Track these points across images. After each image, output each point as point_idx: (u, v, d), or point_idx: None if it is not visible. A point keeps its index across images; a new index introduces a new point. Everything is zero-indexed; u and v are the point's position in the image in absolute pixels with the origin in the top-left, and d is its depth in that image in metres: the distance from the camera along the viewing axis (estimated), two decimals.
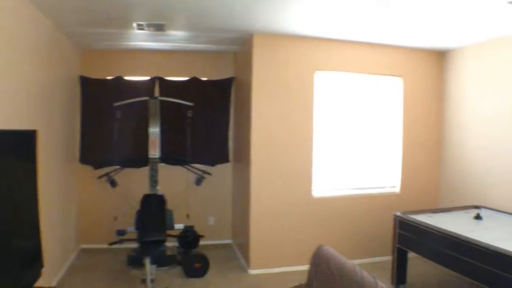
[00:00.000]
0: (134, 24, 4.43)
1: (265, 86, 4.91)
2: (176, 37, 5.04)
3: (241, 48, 5.54)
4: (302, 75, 5.06)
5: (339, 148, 5.33)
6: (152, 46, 5.48)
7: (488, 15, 3.95)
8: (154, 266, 4.35)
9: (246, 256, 5.08)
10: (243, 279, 4.79)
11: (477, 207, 4.76)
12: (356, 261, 5.09)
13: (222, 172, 6.04)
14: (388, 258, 4.79)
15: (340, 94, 5.32)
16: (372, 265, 5.16)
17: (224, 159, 6.01)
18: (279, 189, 4.99)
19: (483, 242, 3.39)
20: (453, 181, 5.48)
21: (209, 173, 5.73)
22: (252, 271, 4.92)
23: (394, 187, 5.50)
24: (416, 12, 3.96)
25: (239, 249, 5.61)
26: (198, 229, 5.48)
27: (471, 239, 3.50)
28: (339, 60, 5.20)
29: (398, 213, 4.36)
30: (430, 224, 4.01)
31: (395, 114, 5.53)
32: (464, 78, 5.35)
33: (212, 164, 5.91)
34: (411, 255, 4.43)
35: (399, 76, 5.48)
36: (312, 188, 5.14)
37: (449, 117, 5.59)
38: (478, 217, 4.29)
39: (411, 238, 4.19)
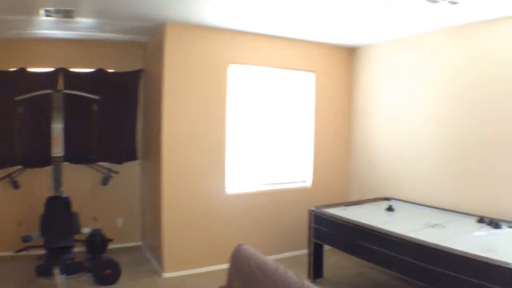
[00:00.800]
0: (42, 11, 3.94)
1: (177, 79, 4.65)
2: (85, 25, 4.58)
3: (152, 38, 5.19)
4: (215, 68, 4.87)
5: (253, 143, 5.25)
6: (59, 35, 4.94)
7: (395, 15, 4.14)
8: (64, 276, 3.96)
9: (159, 259, 4.76)
10: (158, 284, 4.50)
11: (387, 198, 5.00)
12: (273, 257, 5.15)
13: (130, 170, 5.64)
14: (304, 251, 4.83)
15: (254, 88, 5.23)
16: (289, 260, 5.17)
17: (132, 156, 5.63)
18: (192, 186, 4.77)
19: (399, 234, 3.51)
20: (363, 174, 5.71)
21: (116, 172, 5.32)
22: (167, 274, 4.62)
23: (305, 181, 5.57)
24: (328, 8, 4.00)
25: (150, 252, 5.28)
26: (106, 232, 5.06)
27: (387, 230, 3.61)
28: (254, 53, 5.11)
29: (313, 208, 4.39)
30: (345, 218, 4.09)
31: (308, 109, 5.59)
32: (373, 74, 5.60)
33: (119, 162, 5.50)
34: (326, 247, 4.53)
35: (312, 71, 5.54)
36: (226, 185, 4.99)
37: (359, 111, 5.81)
38: (390, 208, 4.48)
39: (326, 232, 4.24)
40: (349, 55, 5.88)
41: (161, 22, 4.52)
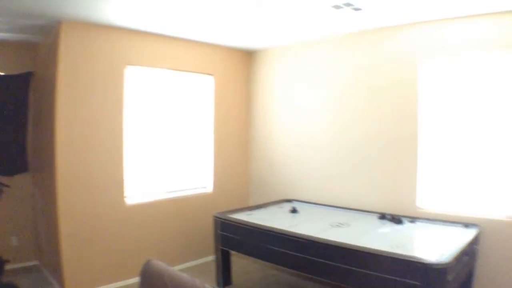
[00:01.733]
0: None
1: (72, 83, 4.25)
2: None
3: (45, 38, 4.72)
4: (113, 71, 4.53)
5: (153, 149, 4.98)
6: None
7: (299, 20, 4.26)
8: None
9: (60, 278, 4.30)
10: None
11: (289, 200, 5.08)
12: (181, 265, 5.03)
13: (21, 183, 5.06)
14: (211, 258, 4.84)
15: (153, 92, 4.97)
16: (197, 268, 5.08)
17: (22, 168, 5.08)
18: (90, 199, 4.38)
19: (310, 235, 3.55)
20: (264, 177, 5.76)
21: (7, 185, 4.68)
22: None
23: (206, 187, 5.46)
24: (225, 11, 3.97)
25: (49, 271, 4.77)
26: (1, 253, 4.48)
27: (297, 233, 3.63)
28: (153, 55, 4.86)
29: (218, 214, 4.30)
30: (252, 223, 4.06)
31: (207, 113, 5.49)
32: (272, 78, 5.69)
33: (10, 174, 4.94)
34: (234, 252, 4.47)
35: (211, 74, 5.46)
36: (126, 195, 4.67)
37: (258, 115, 5.87)
38: (294, 210, 4.54)
39: (233, 238, 4.16)
40: (249, 58, 5.91)
41: (56, 20, 4.11)
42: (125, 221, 4.66)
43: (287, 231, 3.81)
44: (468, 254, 3.40)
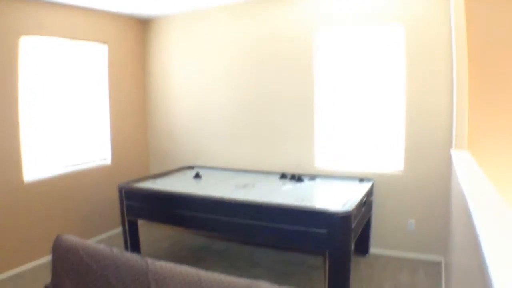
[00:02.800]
0: None
1: None
2: None
3: None
4: (6, 41, 3.94)
5: (49, 123, 4.43)
6: None
7: None
8: None
9: None
10: None
11: (191, 167, 5.02)
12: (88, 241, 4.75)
13: None
14: (118, 230, 4.64)
15: (49, 62, 4.41)
16: (105, 241, 4.78)
17: None
18: None
19: (218, 196, 3.61)
20: (164, 146, 5.58)
21: None
22: None
23: (105, 159, 5.08)
24: None
25: None
26: None
27: (205, 195, 3.68)
28: (47, 24, 4.34)
29: (122, 184, 4.08)
30: (159, 189, 3.99)
31: (102, 83, 5.06)
32: (167, 45, 5.46)
33: None
34: (140, 222, 4.28)
35: (105, 43, 5.02)
36: (24, 173, 4.10)
37: (155, 84, 5.62)
38: (197, 175, 4.51)
39: (140, 206, 4.00)
40: (143, 26, 5.58)
41: None
42: (25, 200, 4.10)
43: (192, 194, 3.79)
44: (366, 204, 3.78)
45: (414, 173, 4.13)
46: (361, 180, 4.19)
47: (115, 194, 4.31)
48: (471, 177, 2.19)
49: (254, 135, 4.85)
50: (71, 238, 2.89)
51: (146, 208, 3.98)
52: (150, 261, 2.54)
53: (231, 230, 3.61)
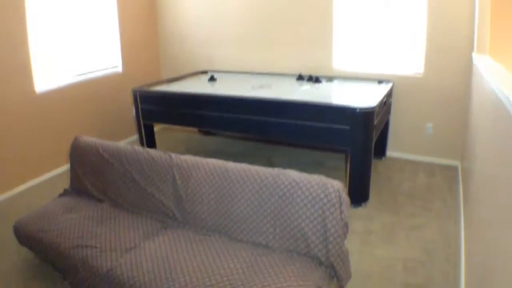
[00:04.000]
0: None
1: None
2: None
3: None
4: None
5: (59, 31, 4.10)
6: None
7: None
8: None
9: None
10: None
11: (204, 72, 4.84)
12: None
13: None
14: (133, 137, 4.70)
15: None
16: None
17: None
18: None
19: (238, 95, 3.52)
20: (174, 52, 5.32)
21: None
22: None
23: (116, 66, 4.84)
24: None
25: None
26: None
27: (226, 94, 3.59)
28: None
29: (137, 88, 3.93)
30: (178, 90, 3.86)
31: None
32: None
33: None
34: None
35: None
36: (35, 83, 3.85)
37: None
38: (212, 78, 4.33)
39: (156, 110, 3.89)
40: None
41: None
42: (38, 110, 3.92)
43: (214, 94, 3.68)
44: (385, 104, 3.62)
45: (434, 77, 3.90)
46: (380, 82, 4.00)
47: (128, 102, 4.21)
48: (500, 77, 1.98)
49: (269, 38, 4.56)
50: (90, 138, 2.83)
51: (162, 111, 3.87)
52: (173, 155, 2.48)
53: (251, 129, 3.54)
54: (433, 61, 3.88)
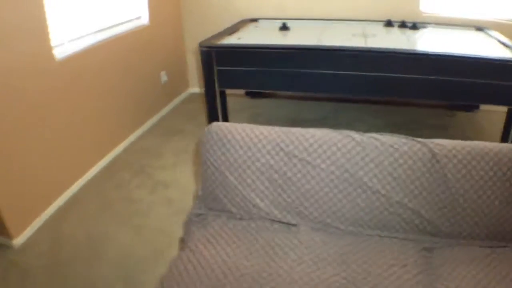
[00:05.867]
0: None
1: None
2: None
3: None
4: None
5: None
6: None
7: None
8: None
9: None
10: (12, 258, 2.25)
11: (254, 19, 3.80)
12: (156, 117, 3.75)
13: None
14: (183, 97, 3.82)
15: None
16: (177, 113, 3.95)
17: None
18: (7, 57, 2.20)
19: (355, 47, 2.76)
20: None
21: None
22: (19, 240, 2.32)
23: (139, 17, 3.57)
24: None
25: None
26: None
27: (336, 46, 2.77)
28: None
29: (207, 43, 2.86)
30: (269, 45, 2.88)
31: None
32: None
33: None
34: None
35: None
36: (53, 46, 2.56)
37: None
38: (284, 27, 3.35)
39: (240, 72, 2.87)
40: None
41: None
42: (61, 81, 2.64)
43: (322, 45, 2.83)
44: None
45: None
46: (479, 28, 3.39)
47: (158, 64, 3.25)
48: None
49: None
50: (239, 125, 1.89)
51: (248, 72, 2.87)
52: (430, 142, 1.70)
53: (383, 89, 2.78)
54: None
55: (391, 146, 1.70)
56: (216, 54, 2.83)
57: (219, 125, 1.85)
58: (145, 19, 3.65)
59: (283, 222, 1.77)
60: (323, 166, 1.72)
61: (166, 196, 2.69)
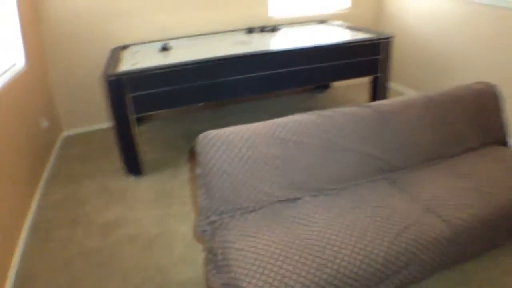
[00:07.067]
0: None
1: None
2: None
3: None
4: None
5: None
6: None
7: None
8: None
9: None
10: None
11: (125, 47, 3.73)
12: (51, 163, 3.40)
13: None
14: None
15: None
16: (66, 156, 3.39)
17: None
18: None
19: (246, 52, 3.15)
20: (65, 31, 3.61)
21: None
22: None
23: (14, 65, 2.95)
24: None
25: None
26: None
27: (239, 54, 3.11)
28: None
29: (111, 72, 2.78)
30: (173, 63, 2.94)
31: None
32: None
33: None
34: None
35: None
36: None
37: None
38: (165, 48, 3.46)
39: (154, 94, 2.91)
40: None
41: None
42: None
43: (231, 54, 3.10)
44: None
45: (358, 9, 4.52)
46: (321, 21, 4.25)
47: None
48: None
49: None
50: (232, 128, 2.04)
51: (162, 93, 2.94)
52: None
53: (259, 87, 3.26)
54: None
55: (352, 114, 2.16)
56: (130, 80, 2.82)
57: (209, 133, 1.97)
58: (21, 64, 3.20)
59: (290, 199, 2.02)
60: (310, 141, 2.06)
61: (122, 234, 2.55)
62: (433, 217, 1.83)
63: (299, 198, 2.04)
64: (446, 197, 1.94)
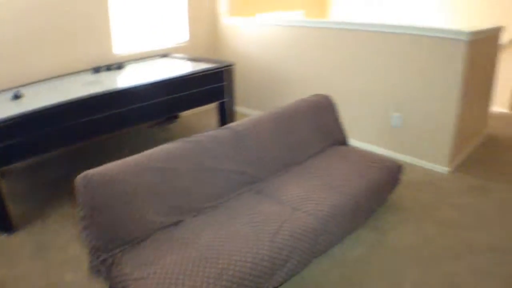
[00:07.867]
0: None
1: None
2: None
3: None
4: None
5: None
6: None
7: None
8: None
9: None
10: None
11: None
12: None
13: None
14: None
15: None
16: None
17: None
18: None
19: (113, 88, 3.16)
20: None
21: None
22: None
23: None
24: None
25: None
26: None
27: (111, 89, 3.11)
28: None
29: None
30: (26, 112, 2.66)
31: None
32: None
33: None
34: None
35: None
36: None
37: None
38: (16, 96, 3.12)
39: (14, 144, 2.62)
40: None
41: None
42: None
43: (79, 97, 2.97)
44: None
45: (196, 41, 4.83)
46: (164, 55, 4.42)
47: None
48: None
49: (39, 39, 3.66)
50: (103, 168, 2.00)
51: (23, 142, 2.69)
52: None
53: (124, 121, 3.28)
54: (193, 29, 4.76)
55: (214, 136, 2.40)
56: None
57: (88, 173, 1.95)
58: None
59: (173, 223, 2.12)
60: (183, 168, 2.20)
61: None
62: (301, 213, 2.13)
63: (181, 221, 2.14)
64: (306, 195, 2.27)
